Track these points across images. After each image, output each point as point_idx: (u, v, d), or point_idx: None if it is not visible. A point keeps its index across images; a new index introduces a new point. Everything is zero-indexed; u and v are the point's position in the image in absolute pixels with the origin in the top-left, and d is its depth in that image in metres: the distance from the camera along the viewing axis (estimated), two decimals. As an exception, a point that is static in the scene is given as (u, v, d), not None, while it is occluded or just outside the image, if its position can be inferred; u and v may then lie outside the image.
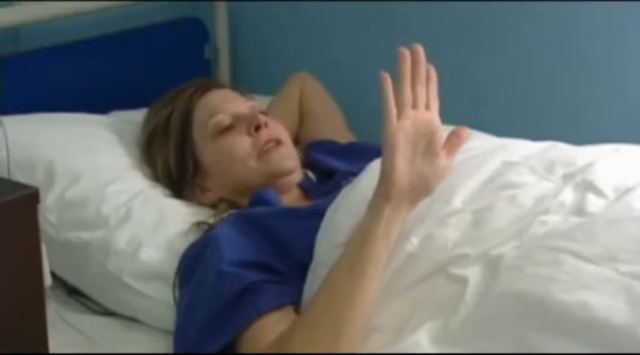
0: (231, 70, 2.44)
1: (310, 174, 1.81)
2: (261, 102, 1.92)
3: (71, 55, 2.14)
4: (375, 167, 1.54)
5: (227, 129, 1.75)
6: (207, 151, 1.75)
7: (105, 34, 2.21)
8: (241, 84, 2.43)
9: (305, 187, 1.77)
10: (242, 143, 1.73)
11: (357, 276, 1.31)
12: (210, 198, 1.75)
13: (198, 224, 1.66)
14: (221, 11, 2.39)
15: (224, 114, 1.75)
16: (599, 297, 1.18)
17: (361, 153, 1.75)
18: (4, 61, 2.05)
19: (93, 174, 1.76)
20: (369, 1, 2.22)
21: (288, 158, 1.75)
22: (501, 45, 2.08)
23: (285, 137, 1.78)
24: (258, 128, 1.73)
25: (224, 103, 1.78)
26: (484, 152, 1.53)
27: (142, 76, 2.21)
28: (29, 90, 2.06)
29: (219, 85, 1.89)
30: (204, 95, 1.80)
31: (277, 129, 1.77)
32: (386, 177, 1.33)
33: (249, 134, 1.74)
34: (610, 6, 1.94)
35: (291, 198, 1.73)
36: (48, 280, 1.32)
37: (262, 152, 1.72)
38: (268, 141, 1.73)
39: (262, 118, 1.75)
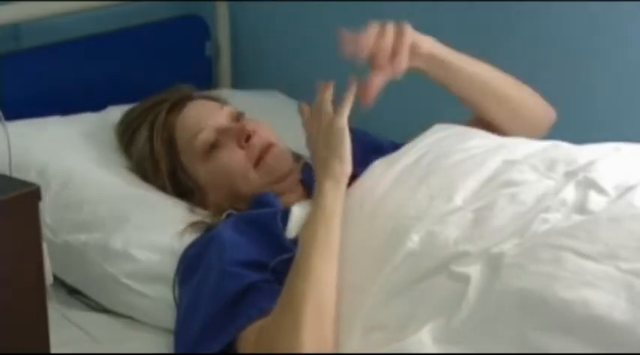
0: (231, 67, 2.44)
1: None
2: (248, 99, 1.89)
3: (72, 52, 2.14)
4: (376, 166, 1.55)
5: (215, 145, 1.71)
6: (202, 172, 1.72)
7: (106, 31, 2.21)
8: (242, 81, 2.43)
9: (307, 183, 1.75)
10: (236, 157, 1.70)
11: (329, 251, 1.40)
12: (212, 209, 1.73)
13: (194, 224, 1.66)
14: (222, 9, 2.39)
15: (207, 131, 1.71)
16: (601, 295, 1.18)
17: (362, 150, 1.73)
18: (5, 58, 2.05)
19: (88, 174, 1.76)
20: (370, 0, 2.22)
21: (283, 157, 1.73)
22: (501, 45, 2.08)
23: (273, 136, 1.75)
24: (248, 138, 1.71)
25: (203, 119, 1.73)
26: (485, 151, 1.53)
27: (144, 73, 2.21)
28: (29, 87, 2.06)
29: (191, 97, 1.82)
30: (181, 113, 1.75)
31: (264, 132, 1.74)
32: (346, 157, 1.48)
33: (241, 146, 1.70)
34: (610, 6, 1.94)
35: (295, 197, 1.70)
36: (49, 278, 1.32)
37: (258, 159, 1.70)
38: (262, 149, 1.70)
39: (250, 126, 1.72)
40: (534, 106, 1.73)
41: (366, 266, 1.38)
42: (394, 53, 1.53)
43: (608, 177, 1.39)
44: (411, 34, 1.54)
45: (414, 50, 1.55)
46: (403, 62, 1.53)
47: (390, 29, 1.53)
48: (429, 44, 1.59)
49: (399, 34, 1.53)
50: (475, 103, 1.68)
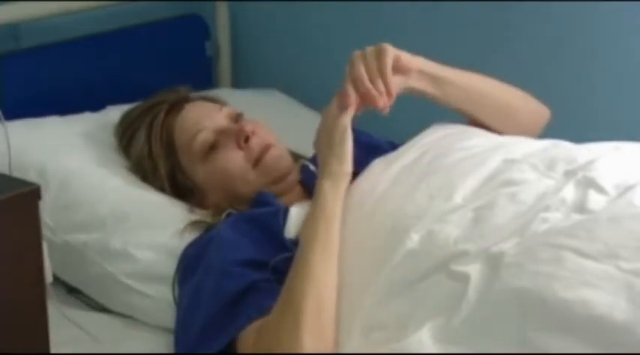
0: (231, 67, 2.44)
1: (311, 166, 1.73)
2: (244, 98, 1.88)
3: (72, 52, 2.14)
4: (375, 165, 1.55)
5: (214, 146, 1.71)
6: (200, 173, 1.72)
7: (105, 31, 2.21)
8: (242, 80, 2.43)
9: (306, 184, 1.75)
10: (235, 158, 1.69)
11: (329, 251, 1.40)
12: (212, 210, 1.72)
13: (194, 223, 1.66)
14: (222, 9, 2.39)
15: (206, 132, 1.70)
16: (601, 295, 1.18)
17: (362, 149, 1.73)
18: (4, 58, 2.05)
19: (87, 174, 1.76)
20: (370, 0, 2.22)
21: (281, 158, 1.72)
22: (501, 45, 2.08)
23: (272, 137, 1.74)
24: (247, 139, 1.70)
25: (202, 120, 1.72)
26: (484, 150, 1.53)
27: (144, 72, 2.21)
28: (29, 87, 2.06)
29: (189, 98, 1.82)
30: (179, 115, 1.75)
31: (263, 133, 1.73)
32: (345, 157, 1.48)
33: (240, 147, 1.70)
34: (610, 6, 1.94)
35: (293, 197, 1.69)
36: (49, 277, 1.32)
37: (256, 160, 1.69)
38: (260, 150, 1.70)
39: (249, 127, 1.71)
40: (528, 109, 1.73)
41: (365, 265, 1.38)
42: (380, 75, 1.51)
43: (608, 176, 1.39)
44: (392, 52, 1.52)
45: (403, 69, 1.54)
46: (390, 82, 1.52)
47: (371, 55, 1.51)
48: (418, 62, 1.58)
49: (379, 57, 1.51)
50: (469, 113, 1.68)
